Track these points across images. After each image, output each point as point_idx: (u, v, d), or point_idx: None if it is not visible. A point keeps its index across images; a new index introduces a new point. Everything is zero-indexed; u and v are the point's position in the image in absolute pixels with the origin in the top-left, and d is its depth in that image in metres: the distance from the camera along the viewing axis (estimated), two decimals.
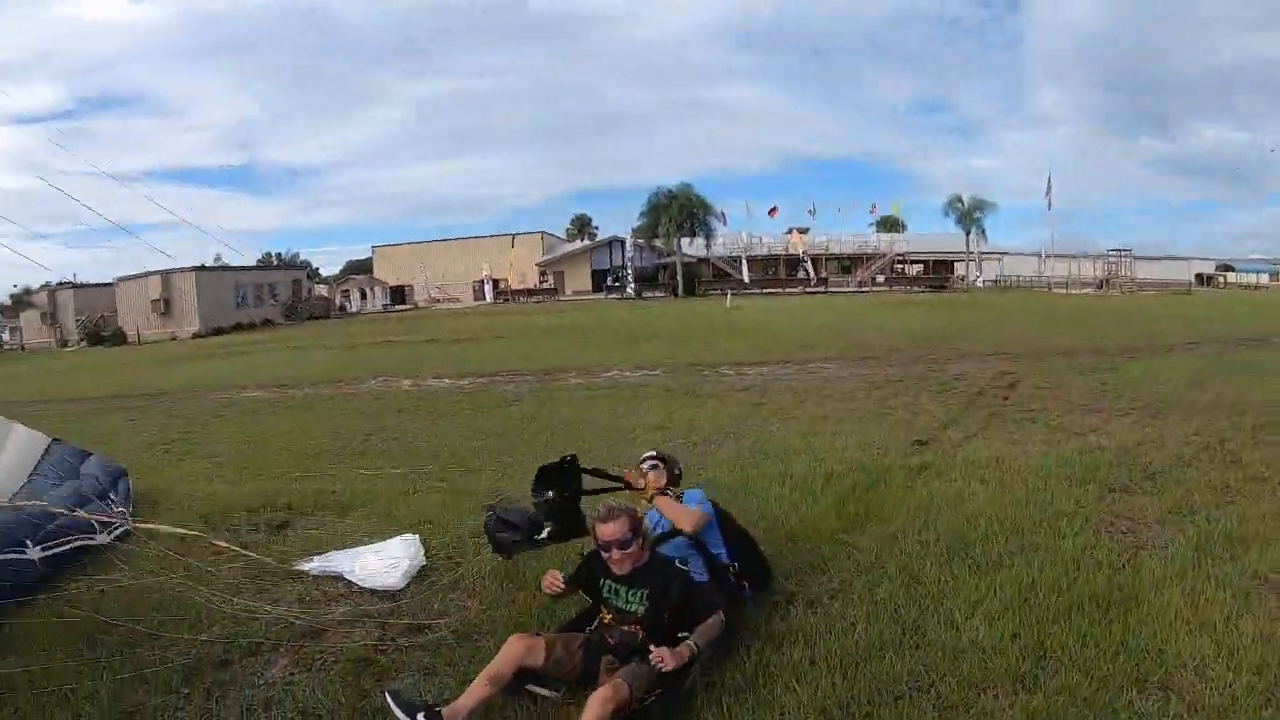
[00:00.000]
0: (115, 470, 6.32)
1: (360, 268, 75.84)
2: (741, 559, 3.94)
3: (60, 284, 54.89)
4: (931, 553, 4.46)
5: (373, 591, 4.41)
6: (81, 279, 56.00)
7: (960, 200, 54.11)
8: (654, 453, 4.22)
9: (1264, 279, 53.82)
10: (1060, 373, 11.62)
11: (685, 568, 3.34)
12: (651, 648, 3.03)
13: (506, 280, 60.49)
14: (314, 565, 4.71)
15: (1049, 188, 54.36)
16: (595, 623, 3.40)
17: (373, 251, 71.94)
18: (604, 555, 3.31)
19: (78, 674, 3.64)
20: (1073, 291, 44.42)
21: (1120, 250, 51.64)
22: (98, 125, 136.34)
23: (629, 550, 3.26)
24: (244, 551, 4.75)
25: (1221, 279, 54.73)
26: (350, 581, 4.53)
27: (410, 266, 64.41)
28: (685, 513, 3.73)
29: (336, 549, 4.97)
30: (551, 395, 11.98)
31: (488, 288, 59.18)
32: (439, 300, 60.98)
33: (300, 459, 8.22)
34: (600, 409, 10.41)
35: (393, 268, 66.22)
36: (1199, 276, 53.20)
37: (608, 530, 3.26)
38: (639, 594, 3.26)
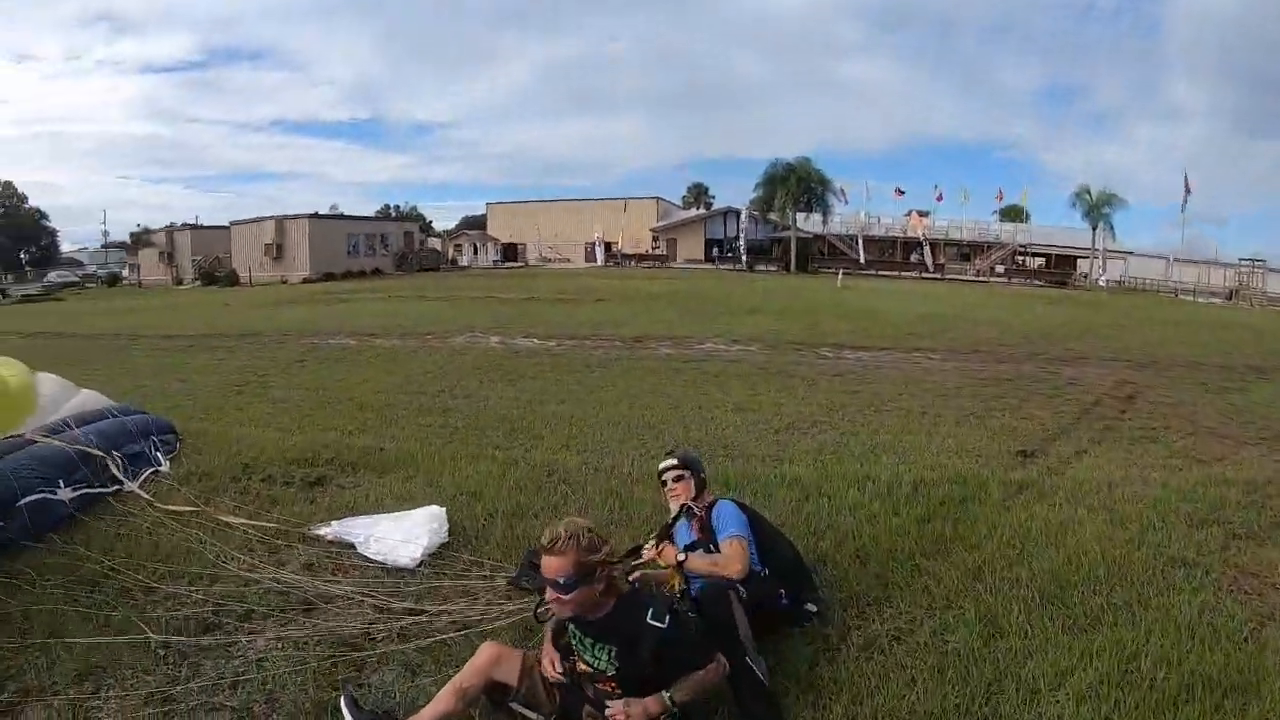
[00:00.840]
0: (163, 425, 6.34)
1: (475, 223, 77.27)
2: (773, 564, 3.37)
3: (182, 225, 58.37)
4: (1021, 596, 3.67)
5: (382, 566, 4.04)
6: (203, 221, 59.50)
7: (1088, 192, 49.34)
8: (674, 460, 3.63)
9: None
10: (1185, 387, 10.18)
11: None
12: (609, 704, 2.46)
13: (618, 243, 60.28)
14: (330, 530, 4.38)
15: (1186, 186, 49.10)
16: (574, 661, 2.77)
17: (486, 208, 73.18)
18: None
19: (66, 618, 3.48)
20: (1200, 300, 40.33)
21: (1254, 260, 46.37)
22: (227, 77, 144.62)
23: (568, 596, 2.53)
24: (250, 522, 4.47)
25: None
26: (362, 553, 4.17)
27: (523, 224, 65.19)
28: (724, 560, 3.16)
29: (361, 514, 4.63)
30: (638, 363, 11.48)
31: (599, 250, 59.16)
32: (550, 260, 61.49)
33: (363, 411, 8.07)
34: (684, 382, 9.85)
35: (505, 225, 67.16)
36: None
37: (548, 565, 2.53)
38: (606, 650, 2.61)
